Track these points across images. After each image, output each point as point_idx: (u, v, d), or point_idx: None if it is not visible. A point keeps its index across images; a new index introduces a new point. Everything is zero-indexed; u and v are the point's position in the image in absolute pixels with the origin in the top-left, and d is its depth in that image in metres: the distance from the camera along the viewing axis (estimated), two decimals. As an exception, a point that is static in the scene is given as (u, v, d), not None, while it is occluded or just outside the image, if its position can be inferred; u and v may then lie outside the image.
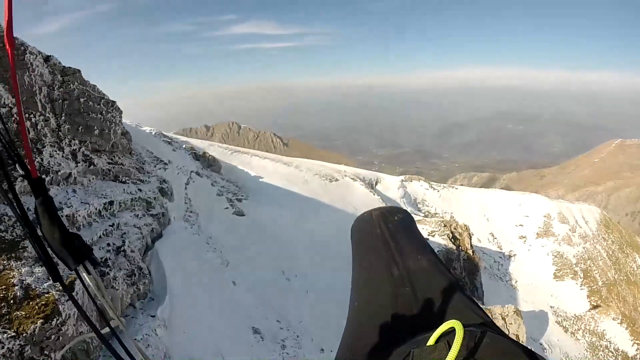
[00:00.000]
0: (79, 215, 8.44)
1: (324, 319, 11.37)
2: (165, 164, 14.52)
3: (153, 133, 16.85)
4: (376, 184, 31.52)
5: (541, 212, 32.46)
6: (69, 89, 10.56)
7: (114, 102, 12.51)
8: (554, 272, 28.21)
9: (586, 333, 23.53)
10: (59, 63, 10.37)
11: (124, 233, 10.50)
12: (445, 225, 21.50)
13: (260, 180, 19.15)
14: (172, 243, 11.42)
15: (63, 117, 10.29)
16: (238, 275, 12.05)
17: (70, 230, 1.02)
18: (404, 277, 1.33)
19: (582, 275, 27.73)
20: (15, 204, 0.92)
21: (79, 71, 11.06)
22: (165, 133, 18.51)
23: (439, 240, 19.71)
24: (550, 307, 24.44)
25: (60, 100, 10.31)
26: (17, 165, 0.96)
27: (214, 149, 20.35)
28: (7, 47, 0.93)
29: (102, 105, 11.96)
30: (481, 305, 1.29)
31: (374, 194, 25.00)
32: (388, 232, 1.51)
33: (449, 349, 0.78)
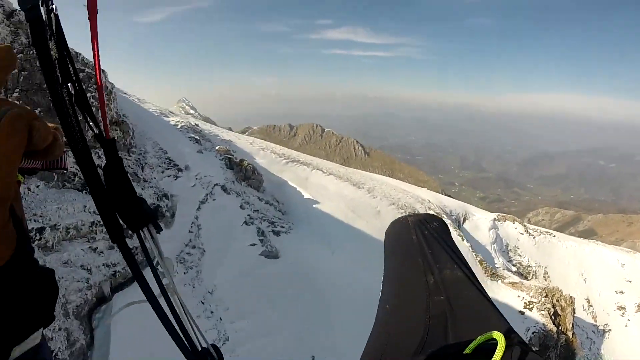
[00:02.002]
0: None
1: None
2: (180, 169, 10.27)
3: (179, 126, 12.68)
4: (464, 221, 25.45)
5: (646, 278, 25.58)
6: (31, 56, 7.33)
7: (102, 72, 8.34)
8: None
9: None
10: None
11: (60, 278, 6.62)
12: (546, 295, 16.03)
13: (315, 205, 14.01)
14: (142, 299, 6.84)
15: (16, 93, 7.18)
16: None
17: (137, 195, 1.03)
18: (438, 286, 1.31)
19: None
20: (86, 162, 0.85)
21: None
22: (199, 125, 14.43)
23: (536, 316, 14.62)
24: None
25: (17, 71, 7.20)
26: (91, 125, 0.96)
27: (264, 155, 15.79)
28: None
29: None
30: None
31: (462, 238, 19.10)
32: (424, 239, 1.49)
33: None
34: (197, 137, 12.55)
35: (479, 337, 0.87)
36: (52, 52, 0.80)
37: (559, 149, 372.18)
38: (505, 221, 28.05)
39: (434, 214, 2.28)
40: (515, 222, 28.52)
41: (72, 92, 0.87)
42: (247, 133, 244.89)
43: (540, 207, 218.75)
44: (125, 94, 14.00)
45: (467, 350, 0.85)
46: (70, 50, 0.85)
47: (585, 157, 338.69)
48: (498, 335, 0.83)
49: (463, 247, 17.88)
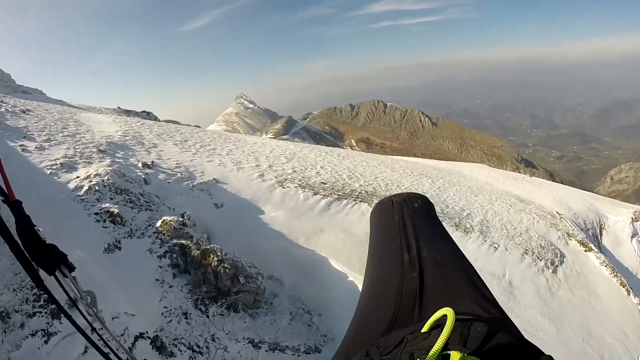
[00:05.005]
0: None
1: None
2: (55, 316, 3.87)
3: (84, 190, 5.81)
4: (601, 232, 17.37)
5: None
6: None
7: None
8: None
9: None
10: None
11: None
12: None
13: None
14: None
15: None
16: None
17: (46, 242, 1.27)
18: (414, 263, 1.23)
19: None
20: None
21: None
22: (147, 166, 8.13)
23: None
24: None
25: None
26: None
27: (286, 196, 8.75)
28: None
29: None
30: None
31: (606, 266, 11.25)
32: (407, 218, 1.41)
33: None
34: (116, 210, 5.60)
35: (434, 314, 0.82)
36: None
37: (635, 95, 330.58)
38: (646, 219, 19.67)
39: (419, 193, 1.60)
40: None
41: None
42: (308, 119, 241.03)
43: (623, 163, 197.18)
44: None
45: (425, 329, 0.80)
46: None
47: None
48: (448, 311, 0.78)
49: (612, 285, 10.44)
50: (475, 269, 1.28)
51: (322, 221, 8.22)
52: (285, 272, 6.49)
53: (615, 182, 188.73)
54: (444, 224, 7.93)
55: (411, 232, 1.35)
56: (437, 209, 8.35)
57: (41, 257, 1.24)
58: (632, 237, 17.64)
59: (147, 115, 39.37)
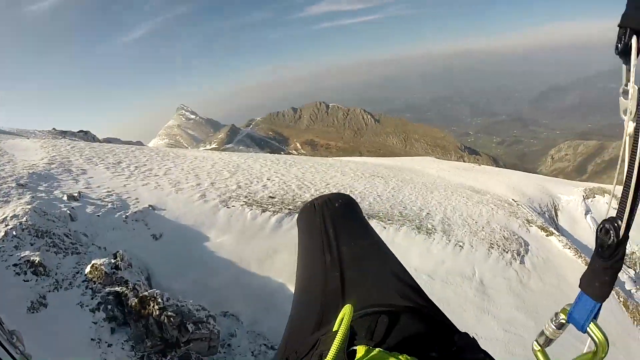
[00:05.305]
0: None
1: None
2: None
3: None
4: (556, 214, 17.94)
5: None
6: None
7: None
8: None
9: None
10: None
11: None
12: None
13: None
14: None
15: None
16: None
17: None
18: (335, 263, 1.22)
19: None
20: None
21: None
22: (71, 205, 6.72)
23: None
24: None
25: None
26: None
27: (235, 215, 7.90)
28: None
29: None
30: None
31: (564, 244, 11.50)
32: (328, 219, 1.40)
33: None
34: (37, 259, 4.33)
35: (341, 311, 0.79)
36: None
37: (567, 80, 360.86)
38: (594, 197, 20.76)
39: (342, 192, 1.67)
40: (605, 195, 21.13)
41: None
42: (251, 126, 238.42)
43: (561, 142, 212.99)
44: None
45: (335, 327, 0.78)
46: None
47: (596, 82, 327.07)
48: (346, 307, 0.78)
49: (577, 266, 10.44)
50: (398, 260, 1.24)
51: (274, 241, 7.44)
52: (241, 306, 5.71)
53: (556, 161, 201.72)
54: (404, 227, 7.23)
55: (331, 232, 1.33)
56: (395, 211, 7.59)
57: None
58: (586, 214, 18.30)
59: (85, 134, 36.64)
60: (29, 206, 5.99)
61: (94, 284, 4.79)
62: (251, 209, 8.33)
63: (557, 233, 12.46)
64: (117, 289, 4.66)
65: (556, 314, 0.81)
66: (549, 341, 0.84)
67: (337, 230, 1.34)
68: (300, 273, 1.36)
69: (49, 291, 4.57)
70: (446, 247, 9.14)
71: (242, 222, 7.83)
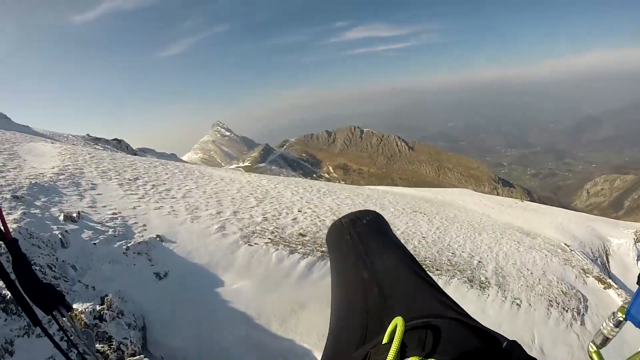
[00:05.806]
0: None
1: None
2: None
3: None
4: (607, 258, 16.66)
5: None
6: None
7: None
8: None
9: None
10: None
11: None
12: None
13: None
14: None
15: None
16: None
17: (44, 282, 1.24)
18: (372, 279, 1.19)
19: None
20: None
21: None
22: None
23: None
24: None
25: None
26: None
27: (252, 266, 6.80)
28: None
29: None
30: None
31: (618, 295, 10.32)
32: (357, 236, 1.37)
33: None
34: (8, 293, 3.62)
35: (390, 324, 0.80)
36: None
37: (603, 110, 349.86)
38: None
39: (369, 209, 1.55)
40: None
41: None
42: (285, 147, 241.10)
43: (597, 176, 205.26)
44: None
45: (385, 340, 0.79)
46: None
47: (631, 113, 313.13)
48: (398, 320, 0.78)
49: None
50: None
51: (302, 293, 6.28)
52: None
53: (592, 195, 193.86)
54: (454, 279, 6.33)
55: (362, 249, 1.31)
56: (443, 258, 6.54)
57: (39, 296, 1.22)
58: (638, 259, 16.91)
59: (119, 143, 37.59)
60: (15, 225, 5.20)
61: (71, 336, 4.15)
62: (277, 249, 7.21)
63: (615, 286, 11.22)
64: (97, 346, 3.86)
65: (613, 313, 0.82)
66: (605, 340, 0.86)
67: (367, 247, 1.32)
68: (337, 292, 1.31)
69: (18, 336, 3.70)
70: (502, 305, 8.16)
71: (266, 265, 6.75)
